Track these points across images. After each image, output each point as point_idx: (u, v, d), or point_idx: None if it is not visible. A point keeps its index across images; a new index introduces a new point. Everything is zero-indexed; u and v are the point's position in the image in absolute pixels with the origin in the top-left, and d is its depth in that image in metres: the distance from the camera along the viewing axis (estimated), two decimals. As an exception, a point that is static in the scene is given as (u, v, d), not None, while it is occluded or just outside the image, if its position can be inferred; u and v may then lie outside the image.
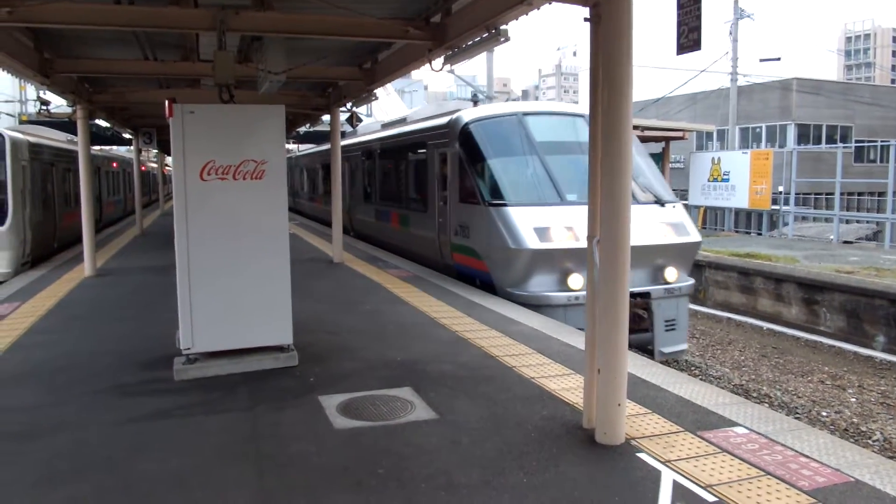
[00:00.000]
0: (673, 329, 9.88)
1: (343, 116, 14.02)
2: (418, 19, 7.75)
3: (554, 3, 5.22)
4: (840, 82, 51.84)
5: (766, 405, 9.45)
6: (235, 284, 6.15)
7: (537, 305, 9.06)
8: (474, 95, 13.25)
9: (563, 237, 9.30)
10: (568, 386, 5.75)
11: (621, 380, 4.53)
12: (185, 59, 10.00)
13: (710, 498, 3.84)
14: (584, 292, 8.70)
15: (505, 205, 9.76)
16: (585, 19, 4.72)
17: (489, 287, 10.11)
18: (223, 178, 6.03)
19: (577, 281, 9.23)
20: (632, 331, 8.99)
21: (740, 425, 4.88)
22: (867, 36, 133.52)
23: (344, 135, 20.17)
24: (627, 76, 4.42)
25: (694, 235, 10.19)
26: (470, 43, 7.31)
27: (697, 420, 4.99)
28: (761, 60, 33.42)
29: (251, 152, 6.10)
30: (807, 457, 4.35)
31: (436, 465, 4.30)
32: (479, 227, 10.12)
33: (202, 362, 6.17)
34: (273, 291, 6.27)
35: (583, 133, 10.36)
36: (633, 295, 8.59)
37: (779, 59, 33.26)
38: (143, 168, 29.39)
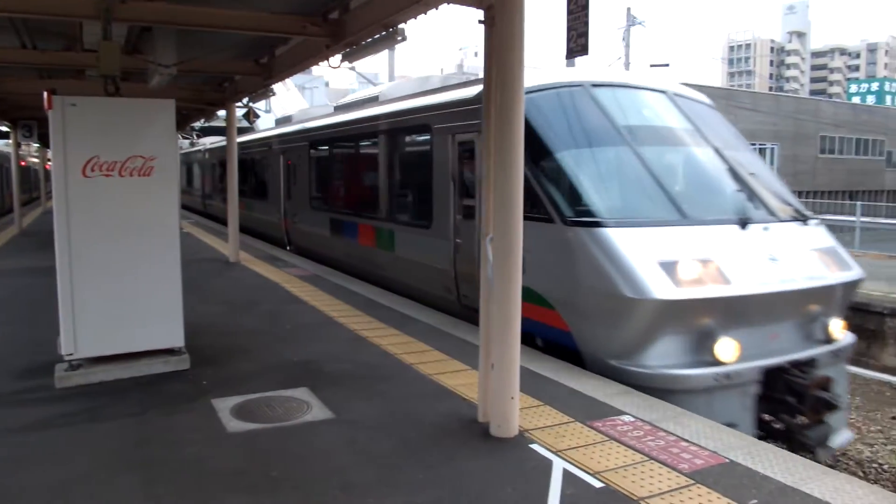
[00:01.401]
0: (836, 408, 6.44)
1: (240, 112, 13.68)
2: (316, 15, 7.65)
3: (452, 5, 5.30)
4: (723, 88, 54.94)
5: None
6: (122, 285, 5.91)
7: (663, 389, 5.77)
8: None
9: (705, 278, 6.01)
10: (464, 382, 5.84)
11: (514, 374, 4.65)
12: (67, 49, 9.46)
13: (598, 484, 4.01)
14: (737, 366, 5.90)
15: (601, 224, 6.23)
16: (480, 21, 4.84)
17: (563, 351, 6.63)
18: (108, 174, 5.78)
19: (727, 349, 5.93)
20: (805, 421, 6.17)
21: (627, 414, 5.12)
22: (748, 45, 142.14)
23: (244, 131, 19.15)
24: (519, 77, 4.56)
25: (855, 268, 7.03)
26: (368, 41, 7.30)
27: (587, 410, 5.19)
28: (651, 66, 35.11)
29: (139, 148, 5.88)
30: (687, 441, 4.62)
31: (332, 464, 4.28)
32: (551, 258, 6.63)
33: (86, 368, 5.88)
34: (163, 292, 6.06)
35: (675, 116, 7.84)
36: (796, 365, 6.25)
37: (668, 65, 35.07)
38: (22, 163, 27.62)
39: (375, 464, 4.29)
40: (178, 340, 6.21)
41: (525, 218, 6.87)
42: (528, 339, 6.75)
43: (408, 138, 10.09)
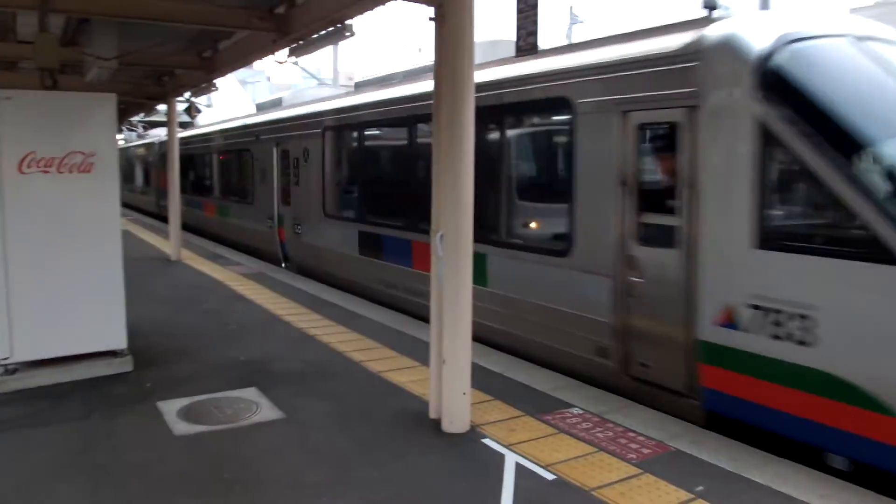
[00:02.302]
0: None
1: (181, 107, 13.37)
2: (262, 9, 7.54)
3: (401, 1, 5.29)
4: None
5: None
6: (61, 286, 5.72)
7: None
8: None
9: None
10: (415, 378, 5.85)
11: (465, 369, 4.69)
12: (0, 40, 9.10)
13: (550, 476, 4.08)
14: None
15: None
16: (430, 18, 4.84)
17: None
18: (46, 170, 5.60)
19: None
20: None
21: (576, 406, 5.21)
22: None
23: (184, 125, 18.31)
24: (468, 74, 4.60)
25: None
26: (316, 36, 7.23)
27: (537, 404, 5.26)
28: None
29: (78, 143, 5.72)
30: (634, 432, 4.73)
31: (283, 465, 4.24)
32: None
33: (24, 372, 5.68)
34: (104, 293, 5.90)
35: None
36: None
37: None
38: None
39: (328, 463, 4.26)
40: (120, 342, 6.05)
41: (817, 253, 4.30)
42: (807, 454, 4.40)
43: (519, 119, 6.91)
